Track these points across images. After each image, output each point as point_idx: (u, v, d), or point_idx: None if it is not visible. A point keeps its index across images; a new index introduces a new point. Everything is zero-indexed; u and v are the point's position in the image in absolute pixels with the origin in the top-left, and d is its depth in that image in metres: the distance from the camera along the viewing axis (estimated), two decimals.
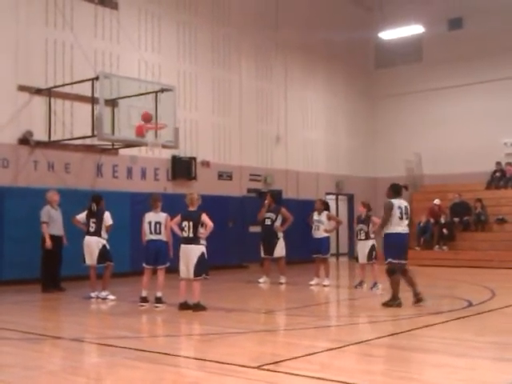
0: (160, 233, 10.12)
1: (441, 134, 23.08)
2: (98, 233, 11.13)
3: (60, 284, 12.46)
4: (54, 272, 12.41)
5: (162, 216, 10.19)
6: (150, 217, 10.22)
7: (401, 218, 9.82)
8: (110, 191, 14.47)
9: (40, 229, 12.16)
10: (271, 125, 20.83)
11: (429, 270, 17.62)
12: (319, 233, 13.43)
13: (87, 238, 11.21)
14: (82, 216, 11.41)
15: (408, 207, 10.02)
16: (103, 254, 11.13)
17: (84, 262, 11.24)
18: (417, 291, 9.90)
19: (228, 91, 19.36)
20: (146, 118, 13.27)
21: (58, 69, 14.92)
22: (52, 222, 12.22)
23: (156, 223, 10.15)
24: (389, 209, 9.86)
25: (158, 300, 9.97)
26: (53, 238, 12.14)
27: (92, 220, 11.22)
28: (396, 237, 9.81)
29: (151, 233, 10.17)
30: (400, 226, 9.83)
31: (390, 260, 9.81)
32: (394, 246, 9.83)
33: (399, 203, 9.91)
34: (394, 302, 9.80)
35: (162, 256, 10.16)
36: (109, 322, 9.35)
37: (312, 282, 13.38)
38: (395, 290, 9.86)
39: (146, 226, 10.19)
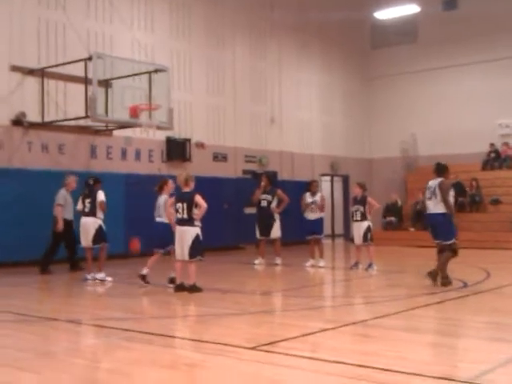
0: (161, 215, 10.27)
1: (436, 114, 23.03)
2: (93, 213, 11.10)
3: (79, 264, 12.54)
4: (71, 255, 12.68)
5: (161, 198, 10.32)
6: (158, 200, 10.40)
7: (429, 199, 9.80)
8: (105, 172, 14.39)
9: (47, 209, 12.29)
10: (266, 106, 20.72)
11: (424, 250, 17.66)
12: (314, 214, 13.43)
13: (83, 219, 11.20)
14: (79, 203, 11.40)
15: (437, 186, 9.80)
16: (99, 235, 11.10)
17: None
18: (437, 271, 9.84)
19: (222, 72, 19.24)
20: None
21: (50, 49, 14.77)
22: (67, 205, 12.35)
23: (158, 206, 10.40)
24: (448, 189, 9.81)
25: (171, 280, 9.98)
26: (65, 221, 12.29)
27: (87, 200, 11.20)
28: (425, 218, 9.91)
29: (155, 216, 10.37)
30: (429, 207, 9.82)
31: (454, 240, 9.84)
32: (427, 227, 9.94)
33: (429, 184, 9.90)
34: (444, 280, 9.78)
35: (161, 238, 10.20)
36: (105, 304, 9.35)
37: (307, 264, 13.40)
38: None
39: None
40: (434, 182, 9.89)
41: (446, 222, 9.79)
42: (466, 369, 5.05)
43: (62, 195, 12.33)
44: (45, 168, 14.10)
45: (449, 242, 9.81)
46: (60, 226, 12.15)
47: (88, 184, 11.38)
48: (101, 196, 11.19)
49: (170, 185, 10.62)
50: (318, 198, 13.51)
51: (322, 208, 13.60)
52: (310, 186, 13.71)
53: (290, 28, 21.40)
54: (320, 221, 13.64)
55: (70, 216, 12.44)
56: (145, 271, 10.25)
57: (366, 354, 5.61)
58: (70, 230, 12.46)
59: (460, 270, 11.11)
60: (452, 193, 9.94)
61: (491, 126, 21.83)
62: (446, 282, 9.72)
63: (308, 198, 13.52)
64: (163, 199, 10.34)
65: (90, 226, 11.09)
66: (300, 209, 13.74)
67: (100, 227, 11.13)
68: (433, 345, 6.05)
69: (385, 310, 7.82)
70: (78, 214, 11.52)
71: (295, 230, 16.34)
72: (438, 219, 9.82)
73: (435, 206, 9.79)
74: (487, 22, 21.89)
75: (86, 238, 11.13)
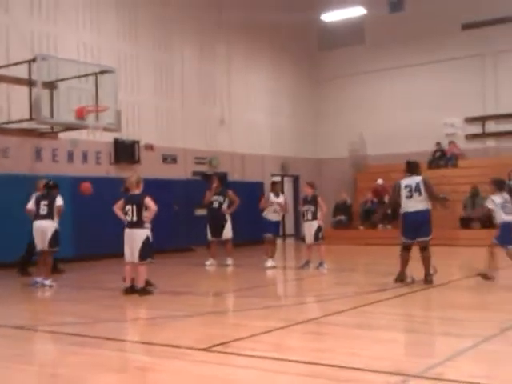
0: None
1: (384, 114, 23.39)
2: (50, 215, 10.78)
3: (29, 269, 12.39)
4: (29, 259, 12.42)
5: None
6: None
7: (409, 197, 9.68)
8: (50, 176, 14.07)
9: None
10: (215, 107, 20.68)
11: (374, 248, 17.92)
12: (275, 216, 13.38)
13: (39, 222, 10.77)
14: (31, 203, 11.03)
15: (420, 183, 9.71)
16: (56, 239, 10.82)
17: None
18: (427, 272, 9.84)
19: (170, 73, 19.10)
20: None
21: None
22: None
23: None
24: (394, 190, 9.89)
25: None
26: None
27: (43, 202, 10.81)
28: (404, 217, 9.79)
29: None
30: (409, 206, 9.70)
31: (401, 238, 9.87)
32: (403, 226, 9.83)
33: (406, 182, 9.79)
34: (398, 277, 9.87)
35: None
36: (54, 309, 9.16)
37: (268, 264, 13.11)
38: (401, 266, 9.92)
39: None
40: (412, 180, 9.77)
41: (430, 218, 9.84)
42: (415, 363, 5.12)
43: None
44: None
45: (429, 238, 9.81)
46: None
47: (47, 186, 11.08)
48: (60, 201, 10.91)
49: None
50: (281, 199, 13.44)
51: (285, 209, 13.61)
52: (273, 187, 13.63)
53: (239, 30, 21.39)
54: (279, 223, 13.78)
55: None
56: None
57: (319, 352, 5.64)
58: None
59: (409, 266, 11.27)
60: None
61: (437, 125, 22.30)
62: (431, 278, 9.79)
63: (272, 198, 13.33)
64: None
65: (47, 229, 10.75)
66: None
67: (56, 231, 10.86)
68: (383, 340, 6.12)
69: (336, 308, 7.88)
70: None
71: (246, 230, 16.37)
72: (424, 216, 9.74)
73: (419, 203, 9.68)
74: (433, 24, 22.35)
75: (42, 241, 10.77)
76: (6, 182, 13.60)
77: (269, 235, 13.38)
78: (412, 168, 10.02)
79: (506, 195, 9.98)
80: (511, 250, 9.82)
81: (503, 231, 9.85)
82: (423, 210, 9.73)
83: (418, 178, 9.82)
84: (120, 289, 9.57)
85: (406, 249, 9.89)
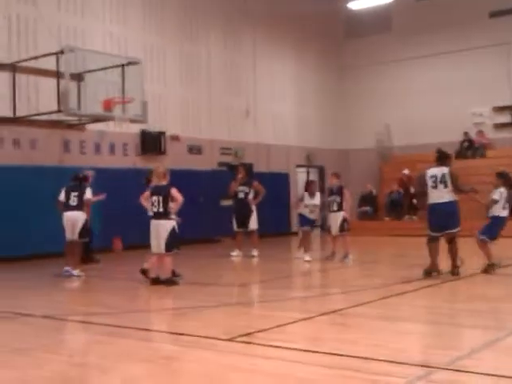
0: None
1: (410, 104, 23.18)
2: (80, 207, 10.95)
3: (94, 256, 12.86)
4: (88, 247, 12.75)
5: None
6: None
7: (434, 188, 9.51)
8: (78, 167, 14.25)
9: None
10: (241, 98, 20.68)
11: (399, 239, 17.83)
12: (313, 215, 12.91)
13: (70, 213, 10.90)
14: (62, 195, 11.10)
15: (446, 174, 9.51)
16: (85, 229, 10.98)
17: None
18: (455, 264, 9.74)
19: (196, 64, 19.15)
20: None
21: (21, 43, 14.58)
22: None
23: None
24: (419, 180, 9.81)
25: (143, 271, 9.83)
26: None
27: (74, 194, 10.95)
28: (430, 208, 9.63)
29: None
30: (435, 197, 9.51)
31: (427, 231, 9.69)
32: (429, 217, 9.68)
33: (432, 172, 9.60)
34: (431, 270, 9.67)
35: None
36: (81, 299, 9.29)
37: (306, 258, 12.64)
38: (432, 259, 9.73)
39: None
40: (439, 170, 9.58)
41: (457, 209, 9.65)
42: (441, 355, 5.10)
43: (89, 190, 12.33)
44: (17, 164, 13.93)
45: (457, 230, 9.64)
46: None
47: (77, 178, 11.23)
48: (89, 193, 11.07)
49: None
50: (317, 200, 12.74)
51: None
52: (308, 187, 12.93)
53: (264, 19, 21.35)
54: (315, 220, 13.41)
55: None
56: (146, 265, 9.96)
57: (343, 343, 5.65)
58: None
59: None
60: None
61: (465, 115, 22.03)
62: (458, 270, 9.70)
63: (307, 199, 12.67)
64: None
65: (78, 219, 10.88)
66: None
67: (86, 222, 11.01)
68: (408, 332, 6.11)
69: (361, 299, 7.88)
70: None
71: (272, 222, 16.39)
72: (450, 207, 9.54)
73: (446, 194, 9.50)
74: (459, 12, 22.07)
75: (72, 232, 10.92)
76: (35, 174, 13.78)
77: (306, 228, 12.85)
78: (442, 158, 9.78)
79: (506, 190, 9.98)
80: (488, 244, 9.94)
81: (495, 225, 9.91)
82: (449, 201, 9.53)
83: (445, 169, 9.60)
84: (146, 280, 9.67)
85: (434, 240, 9.69)
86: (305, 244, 13.00)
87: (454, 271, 9.68)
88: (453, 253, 9.72)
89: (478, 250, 10.16)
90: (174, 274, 9.62)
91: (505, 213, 9.97)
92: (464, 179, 20.83)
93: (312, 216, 12.88)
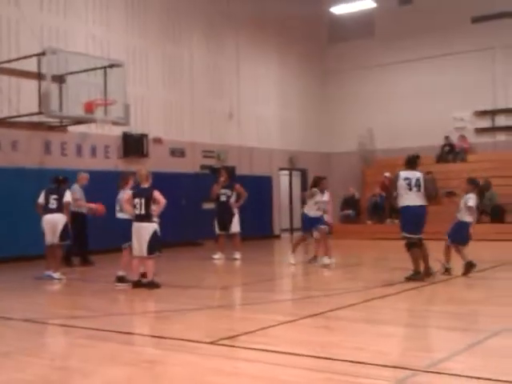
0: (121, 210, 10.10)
1: (393, 108, 23.32)
2: (60, 209, 10.87)
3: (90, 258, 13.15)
4: (84, 248, 13.17)
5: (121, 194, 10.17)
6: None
7: (409, 190, 9.54)
8: (59, 169, 14.16)
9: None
10: (223, 101, 20.67)
11: (381, 242, 17.92)
12: (317, 213, 12.43)
13: (50, 216, 10.83)
14: (41, 198, 11.02)
15: (420, 178, 9.59)
16: (66, 232, 10.90)
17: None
18: (428, 266, 9.80)
19: (179, 67, 19.11)
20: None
21: (3, 44, 14.46)
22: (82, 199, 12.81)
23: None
24: (393, 182, 9.79)
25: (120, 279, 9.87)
26: (81, 214, 12.78)
27: (53, 197, 10.86)
28: (406, 211, 9.64)
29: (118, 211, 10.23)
30: (410, 199, 9.54)
31: (404, 234, 9.69)
32: (406, 220, 9.69)
33: (406, 175, 9.64)
34: (416, 275, 9.63)
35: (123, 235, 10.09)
36: (62, 302, 9.22)
37: (327, 262, 12.26)
38: (415, 264, 9.69)
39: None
40: (412, 174, 9.65)
41: (426, 214, 9.78)
42: (422, 358, 5.14)
43: (79, 190, 12.75)
44: None
45: (422, 235, 9.79)
46: (93, 210, 12.66)
47: (56, 180, 11.15)
48: (68, 196, 10.98)
49: (131, 180, 10.50)
50: (326, 197, 12.55)
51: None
52: (320, 183, 12.55)
53: (248, 22, 21.36)
54: (321, 219, 12.59)
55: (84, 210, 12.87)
56: (121, 273, 10.00)
57: (326, 346, 5.66)
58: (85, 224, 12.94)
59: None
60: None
61: (447, 119, 22.20)
62: (432, 271, 9.85)
63: (318, 196, 12.33)
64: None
65: (57, 222, 10.81)
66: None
67: (67, 225, 10.93)
68: (390, 335, 6.15)
69: (343, 302, 7.90)
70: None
71: (255, 224, 16.40)
72: (423, 212, 9.67)
73: (419, 198, 9.59)
74: (443, 17, 22.23)
75: (52, 235, 10.85)
76: (16, 176, 13.68)
77: (322, 227, 12.39)
78: (411, 162, 9.90)
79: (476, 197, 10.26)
80: (461, 248, 10.16)
81: (464, 230, 10.15)
82: (422, 205, 9.65)
83: (418, 174, 9.71)
84: (128, 283, 9.64)
85: (415, 245, 9.67)
86: (324, 247, 12.47)
87: (429, 272, 9.80)
88: (425, 255, 9.82)
89: (453, 253, 10.30)
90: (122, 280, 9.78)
91: (471, 218, 10.23)
92: (445, 183, 21.16)
93: (319, 213, 12.42)
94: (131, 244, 9.67)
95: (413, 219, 9.64)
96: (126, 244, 9.88)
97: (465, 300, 8.26)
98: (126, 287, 9.61)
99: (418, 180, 9.60)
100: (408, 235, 9.69)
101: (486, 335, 5.90)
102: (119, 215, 10.19)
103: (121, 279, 9.84)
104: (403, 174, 9.72)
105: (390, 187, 9.70)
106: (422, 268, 9.72)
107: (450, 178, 20.87)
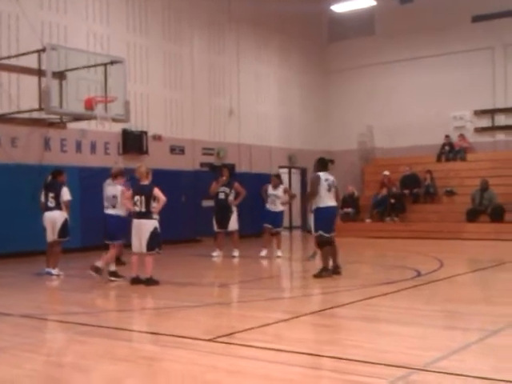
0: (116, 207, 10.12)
1: (393, 107, 23.30)
2: (58, 207, 10.81)
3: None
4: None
5: (116, 189, 10.17)
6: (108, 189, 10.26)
7: (328, 191, 9.99)
8: (59, 166, 14.14)
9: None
10: (224, 98, 20.65)
11: (381, 241, 17.92)
12: (275, 207, 13.60)
13: (49, 213, 10.80)
14: (43, 196, 10.96)
15: (335, 181, 10.19)
16: (65, 229, 10.88)
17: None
18: (337, 264, 10.17)
19: (180, 64, 19.09)
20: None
21: (3, 41, 14.43)
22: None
23: (113, 196, 10.22)
24: (316, 182, 10.00)
25: (112, 274, 9.93)
26: None
27: (50, 194, 10.83)
28: (326, 210, 10.00)
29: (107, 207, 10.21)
30: (329, 200, 10.00)
31: (320, 233, 9.97)
32: (324, 219, 10.00)
33: (326, 176, 10.09)
34: (325, 272, 9.95)
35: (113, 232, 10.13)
36: (60, 298, 9.23)
37: (262, 254, 13.52)
38: (325, 261, 10.04)
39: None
40: (329, 176, 10.15)
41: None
42: (420, 356, 5.13)
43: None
44: None
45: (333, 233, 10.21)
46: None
47: (52, 173, 11.11)
48: (66, 195, 10.83)
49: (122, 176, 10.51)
50: (279, 191, 13.72)
51: (286, 199, 14.20)
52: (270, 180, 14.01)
53: (248, 21, 21.35)
54: (281, 213, 13.87)
55: None
56: (99, 263, 10.05)
57: (324, 344, 5.67)
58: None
59: (414, 259, 11.28)
60: None
61: (446, 118, 22.19)
62: (340, 269, 10.19)
63: (270, 190, 13.69)
64: (119, 190, 10.18)
65: (56, 220, 10.76)
66: (259, 201, 13.92)
67: (66, 221, 10.91)
68: (388, 333, 6.14)
69: (342, 301, 7.91)
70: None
71: (252, 222, 16.39)
72: (337, 211, 10.48)
73: (334, 200, 10.14)
74: (443, 16, 22.23)
75: (52, 232, 10.84)
76: (15, 172, 13.68)
77: (269, 227, 13.71)
78: (325, 165, 10.38)
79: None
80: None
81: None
82: (336, 206, 10.28)
83: (332, 176, 10.21)
84: (127, 279, 9.64)
85: (328, 243, 10.03)
86: (265, 241, 13.79)
87: (338, 270, 10.10)
88: (335, 253, 10.16)
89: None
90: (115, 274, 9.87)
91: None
92: (445, 181, 21.16)
93: (274, 207, 13.64)
94: (120, 243, 9.81)
95: (331, 218, 10.19)
96: (115, 242, 10.00)
97: (463, 299, 8.26)
98: (121, 281, 9.68)
99: (333, 182, 10.13)
100: (324, 234, 9.99)
101: (485, 334, 5.89)
102: (108, 211, 10.20)
103: (113, 274, 9.89)
104: (323, 175, 10.13)
105: (312, 187, 9.92)
106: (330, 265, 10.10)
107: (450, 177, 20.93)
